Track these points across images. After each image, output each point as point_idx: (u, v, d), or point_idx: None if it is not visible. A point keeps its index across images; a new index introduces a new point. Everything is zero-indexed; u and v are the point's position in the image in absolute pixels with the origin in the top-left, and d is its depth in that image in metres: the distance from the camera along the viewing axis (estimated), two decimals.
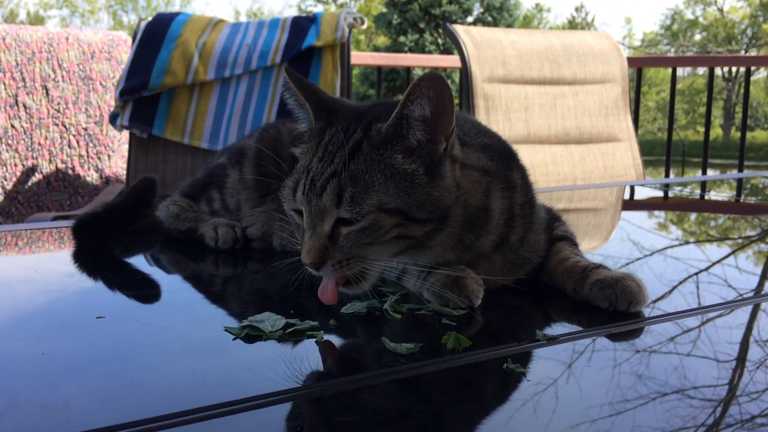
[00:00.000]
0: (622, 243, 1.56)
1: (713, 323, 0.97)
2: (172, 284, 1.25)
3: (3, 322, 0.97)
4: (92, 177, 3.38)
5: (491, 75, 3.16)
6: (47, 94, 3.23)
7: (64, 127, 3.29)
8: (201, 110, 2.79)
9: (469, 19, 22.29)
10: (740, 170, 4.43)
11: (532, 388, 0.73)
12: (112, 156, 3.44)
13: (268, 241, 1.39)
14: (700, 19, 34.72)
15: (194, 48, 2.78)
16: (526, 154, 3.06)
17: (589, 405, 0.70)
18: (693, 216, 2.15)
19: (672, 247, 1.58)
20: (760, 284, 1.22)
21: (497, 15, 22.18)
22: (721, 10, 33.45)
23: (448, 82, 0.89)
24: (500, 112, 3.15)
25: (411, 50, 21.23)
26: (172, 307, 1.09)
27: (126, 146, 3.28)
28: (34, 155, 3.22)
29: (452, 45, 3.29)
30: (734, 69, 25.14)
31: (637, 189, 2.57)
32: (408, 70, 4.75)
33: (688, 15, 35.38)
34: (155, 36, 2.84)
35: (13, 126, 3.14)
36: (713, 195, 2.49)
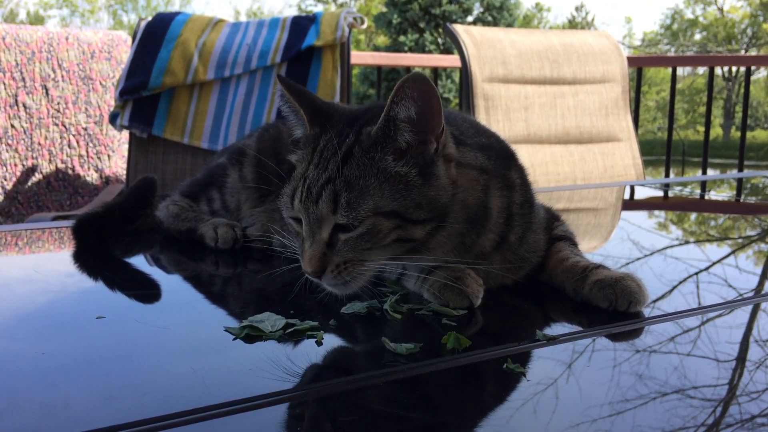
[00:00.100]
0: (622, 243, 1.56)
1: (713, 323, 0.97)
2: (172, 284, 1.25)
3: (3, 322, 0.97)
4: (92, 177, 3.38)
5: (491, 74, 3.16)
6: (47, 93, 3.22)
7: (64, 127, 3.28)
8: (201, 110, 2.79)
9: (469, 18, 22.26)
10: (740, 170, 4.43)
11: (532, 388, 0.73)
12: (112, 156, 3.44)
13: (268, 241, 1.39)
14: (700, 19, 34.72)
15: (194, 48, 2.78)
16: (526, 154, 3.08)
17: (589, 405, 0.70)
18: (693, 216, 2.15)
19: (672, 247, 1.58)
20: (760, 284, 1.22)
21: (497, 14, 22.14)
22: (721, 10, 33.44)
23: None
24: (500, 111, 3.15)
25: (411, 50, 21.19)
26: (172, 307, 1.09)
27: (126, 146, 3.28)
28: (34, 155, 3.21)
29: (452, 44, 3.29)
30: (734, 68, 25.14)
31: (637, 189, 2.57)
32: (408, 69, 4.75)
33: (688, 14, 35.41)
34: (155, 36, 2.84)
35: (13, 126, 3.14)
36: (713, 195, 2.49)
